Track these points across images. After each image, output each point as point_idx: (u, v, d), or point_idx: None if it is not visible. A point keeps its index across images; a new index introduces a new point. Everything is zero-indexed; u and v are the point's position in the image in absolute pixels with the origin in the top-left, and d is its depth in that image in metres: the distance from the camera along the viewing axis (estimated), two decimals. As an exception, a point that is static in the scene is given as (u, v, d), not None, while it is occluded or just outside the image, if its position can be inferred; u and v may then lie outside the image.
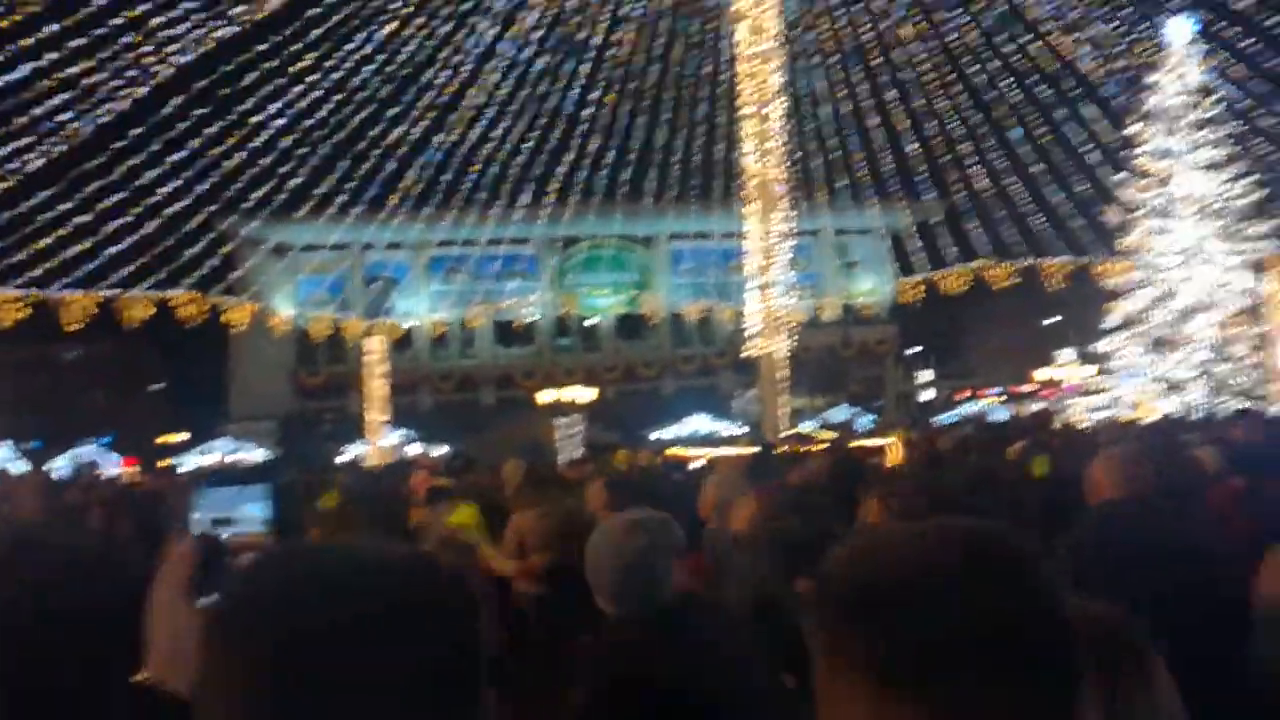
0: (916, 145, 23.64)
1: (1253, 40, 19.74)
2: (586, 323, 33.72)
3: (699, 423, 30.39)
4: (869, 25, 22.10)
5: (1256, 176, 20.92)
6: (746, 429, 28.87)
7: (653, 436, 27.77)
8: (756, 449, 10.92)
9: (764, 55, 17.87)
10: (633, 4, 22.16)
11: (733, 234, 25.43)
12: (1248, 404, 19.71)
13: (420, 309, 34.98)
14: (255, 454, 27.63)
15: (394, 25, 21.14)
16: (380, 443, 24.05)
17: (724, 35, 21.50)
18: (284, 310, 31.73)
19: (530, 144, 24.28)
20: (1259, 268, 21.51)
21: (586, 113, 23.91)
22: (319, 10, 19.93)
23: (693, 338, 33.02)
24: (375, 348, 24.27)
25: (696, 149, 24.94)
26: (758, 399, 20.34)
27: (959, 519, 0.86)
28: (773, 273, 17.94)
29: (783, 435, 16.74)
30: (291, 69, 20.70)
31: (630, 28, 22.69)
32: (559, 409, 25.56)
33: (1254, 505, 4.54)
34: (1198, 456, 5.88)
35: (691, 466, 11.22)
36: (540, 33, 22.46)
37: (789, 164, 18.93)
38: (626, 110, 24.24)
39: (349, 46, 21.23)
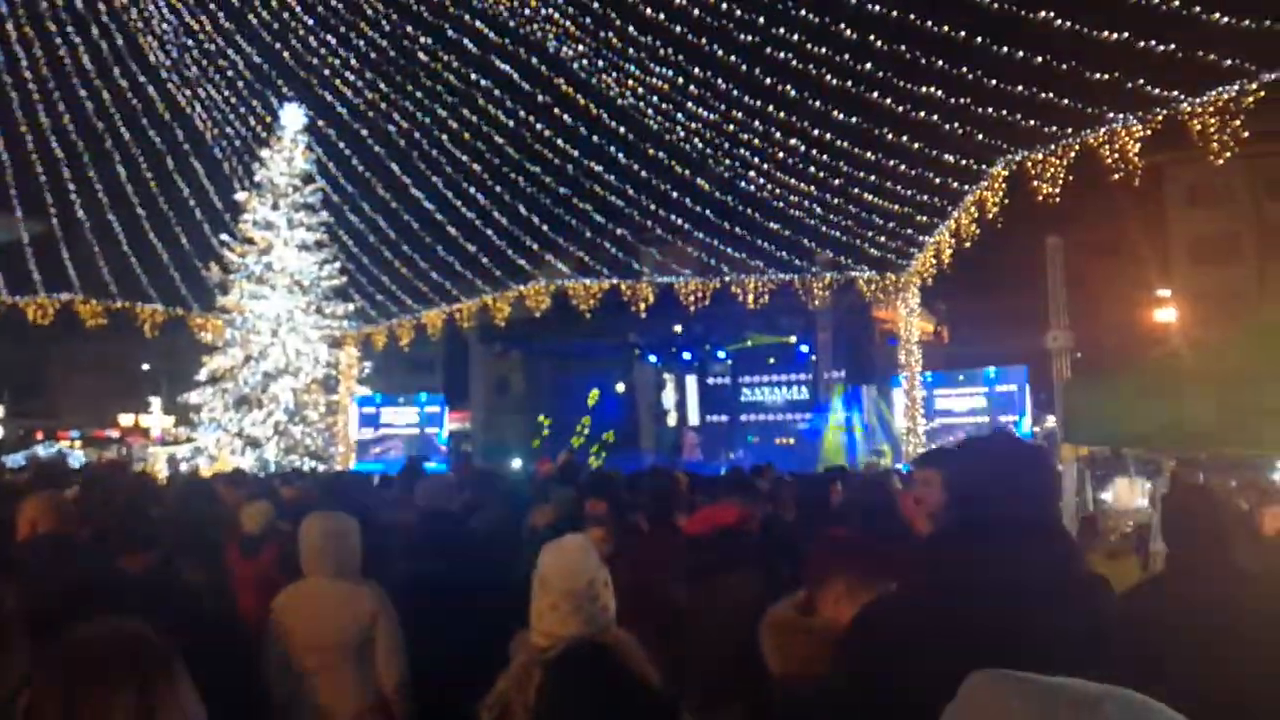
0: (9, 156, 20.71)
1: (353, 143, 22.19)
2: None
3: None
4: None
5: (340, 264, 23.61)
6: None
7: None
8: None
9: None
10: None
11: None
12: (315, 464, 21.87)
13: None
14: None
15: None
16: None
17: None
18: None
19: None
20: (336, 343, 24.26)
21: None
22: None
23: None
24: None
25: None
26: None
27: None
28: None
29: None
30: None
31: None
32: None
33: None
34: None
35: None
36: None
37: None
38: None
39: None
